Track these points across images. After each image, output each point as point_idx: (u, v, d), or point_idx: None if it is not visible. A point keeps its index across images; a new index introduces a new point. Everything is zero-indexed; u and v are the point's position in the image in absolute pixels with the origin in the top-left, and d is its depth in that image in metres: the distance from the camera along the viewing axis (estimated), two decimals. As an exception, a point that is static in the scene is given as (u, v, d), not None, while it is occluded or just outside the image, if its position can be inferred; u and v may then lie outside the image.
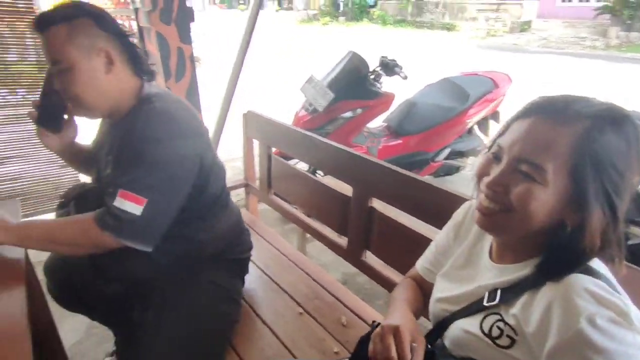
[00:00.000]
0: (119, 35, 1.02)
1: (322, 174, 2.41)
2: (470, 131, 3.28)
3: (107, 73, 1.01)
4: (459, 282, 0.81)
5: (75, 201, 1.14)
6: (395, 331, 0.70)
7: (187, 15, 2.37)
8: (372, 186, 1.30)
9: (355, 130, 2.80)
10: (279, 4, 23.96)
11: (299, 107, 2.90)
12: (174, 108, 1.05)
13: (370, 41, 12.23)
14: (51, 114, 1.10)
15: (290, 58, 10.17)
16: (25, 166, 2.45)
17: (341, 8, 19.82)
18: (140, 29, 2.48)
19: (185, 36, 2.42)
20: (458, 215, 0.89)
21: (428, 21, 16.13)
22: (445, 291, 0.83)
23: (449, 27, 15.16)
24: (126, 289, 1.18)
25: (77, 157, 1.27)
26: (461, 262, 0.84)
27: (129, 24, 2.80)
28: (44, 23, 0.97)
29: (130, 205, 0.95)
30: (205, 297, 1.15)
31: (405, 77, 2.80)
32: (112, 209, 0.95)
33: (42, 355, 1.48)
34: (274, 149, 1.82)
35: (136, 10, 2.42)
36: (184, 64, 2.51)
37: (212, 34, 12.05)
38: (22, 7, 2.24)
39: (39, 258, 1.42)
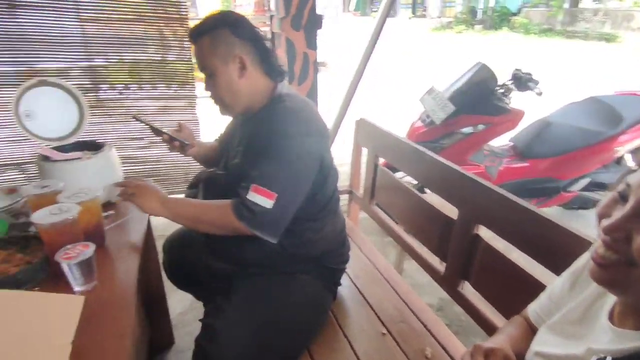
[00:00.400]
0: (254, 40, 1.11)
1: (429, 192, 2.29)
2: (619, 161, 2.78)
3: (241, 77, 1.11)
4: (566, 339, 0.67)
5: (204, 184, 1.27)
6: (489, 352, 0.64)
7: (315, 22, 2.46)
8: (480, 212, 1.18)
9: (474, 148, 2.59)
10: (413, 11, 23.61)
11: (416, 118, 2.80)
12: (303, 107, 1.12)
13: (507, 52, 11.27)
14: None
15: (417, 67, 9.94)
16: (166, 151, 2.82)
17: (479, 16, 18.69)
18: (272, 34, 2.66)
19: (311, 42, 2.52)
20: (580, 261, 0.74)
21: (582, 31, 14.24)
22: (549, 346, 0.70)
23: (608, 38, 13.16)
24: (232, 269, 1.25)
25: (206, 157, 1.43)
26: (574, 317, 0.69)
27: (265, 30, 3.02)
28: (194, 35, 1.12)
29: (262, 199, 1.02)
30: (295, 299, 1.17)
31: (539, 94, 2.49)
32: (246, 202, 1.03)
33: (151, 318, 1.68)
34: (381, 160, 1.78)
35: (271, 17, 2.61)
36: (307, 68, 2.62)
37: (342, 41, 12.45)
38: (183, 15, 2.60)
39: (160, 233, 1.62)
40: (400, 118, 4.17)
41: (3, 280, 0.84)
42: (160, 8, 2.55)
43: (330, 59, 8.82)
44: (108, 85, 2.72)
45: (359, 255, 1.67)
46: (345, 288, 1.45)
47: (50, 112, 1.34)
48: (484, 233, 1.17)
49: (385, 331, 1.24)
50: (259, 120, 1.14)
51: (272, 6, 2.83)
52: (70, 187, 1.18)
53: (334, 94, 3.76)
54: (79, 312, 0.65)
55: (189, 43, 2.64)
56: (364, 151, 1.87)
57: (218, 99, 1.16)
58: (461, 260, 1.23)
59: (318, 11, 2.46)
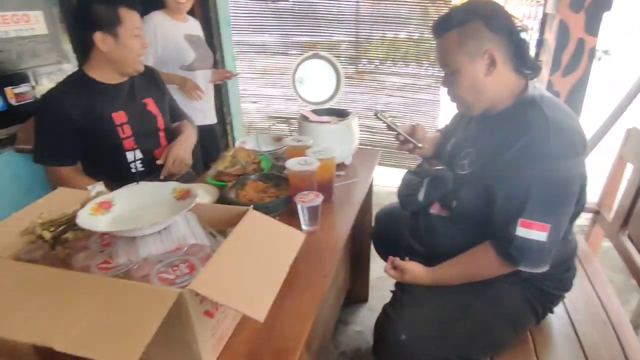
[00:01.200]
0: (509, 34, 1.00)
1: None
2: None
3: (487, 75, 1.01)
4: None
5: (431, 180, 1.24)
6: None
7: (602, 3, 2.04)
8: None
9: None
10: None
11: None
12: (565, 119, 0.98)
13: None
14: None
15: None
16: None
17: None
18: (544, 15, 2.36)
19: (592, 26, 2.12)
20: None
21: None
22: None
23: None
24: (429, 255, 1.28)
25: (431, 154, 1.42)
26: None
27: (535, 10, 2.70)
28: (440, 29, 1.04)
29: (536, 233, 0.94)
30: (491, 305, 1.10)
31: None
32: (515, 240, 0.95)
33: (354, 273, 1.88)
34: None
35: (547, -5, 2.30)
36: (580, 57, 2.23)
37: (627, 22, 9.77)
38: None
39: (380, 200, 1.77)
40: None
41: (259, 205, 1.12)
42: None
43: (616, 45, 7.12)
44: (367, 59, 3.03)
45: (586, 288, 1.40)
46: (556, 317, 1.26)
47: (316, 80, 1.61)
48: None
49: (592, 384, 1.04)
50: (502, 122, 1.03)
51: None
52: (318, 144, 1.42)
53: (611, 88, 3.08)
54: (298, 246, 0.80)
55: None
56: (628, 167, 1.50)
57: (457, 97, 1.08)
58: None
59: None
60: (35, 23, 1.59)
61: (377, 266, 2.11)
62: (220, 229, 0.85)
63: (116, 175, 1.23)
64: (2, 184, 1.52)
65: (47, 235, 0.73)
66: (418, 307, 1.10)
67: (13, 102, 1.55)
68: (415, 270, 1.13)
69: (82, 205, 0.79)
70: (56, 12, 1.66)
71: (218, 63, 2.88)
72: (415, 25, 2.80)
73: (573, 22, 2.15)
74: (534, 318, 1.17)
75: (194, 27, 2.15)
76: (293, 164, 1.18)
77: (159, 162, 1.48)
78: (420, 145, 1.33)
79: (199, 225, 0.82)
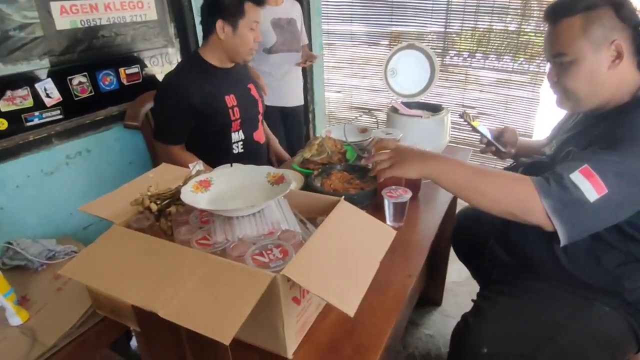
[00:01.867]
0: (635, 26, 0.89)
1: None
2: None
3: (611, 68, 0.91)
4: None
5: (528, 166, 1.13)
6: None
7: None
8: None
9: None
10: None
11: None
12: None
13: None
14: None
15: None
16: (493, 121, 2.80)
17: None
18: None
19: None
20: None
21: None
22: None
23: None
24: (514, 266, 1.19)
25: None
26: None
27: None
28: (561, 12, 0.93)
29: (588, 186, 0.81)
30: (584, 327, 0.98)
31: None
32: (564, 179, 0.83)
33: (430, 274, 1.81)
34: None
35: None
36: None
37: None
38: None
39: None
40: None
41: (344, 196, 1.10)
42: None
43: None
44: (456, 52, 2.87)
45: None
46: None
47: (409, 72, 1.55)
48: None
49: None
50: (612, 120, 0.92)
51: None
52: (408, 138, 1.37)
53: None
54: (389, 243, 0.78)
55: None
56: None
57: (570, 90, 0.97)
58: None
59: None
60: (147, 9, 1.72)
61: (455, 269, 2.02)
62: (310, 216, 0.85)
63: (218, 154, 1.30)
64: (112, 155, 1.69)
65: (154, 207, 0.78)
66: (504, 321, 1.02)
67: (125, 82, 1.70)
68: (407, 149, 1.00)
69: (185, 182, 0.84)
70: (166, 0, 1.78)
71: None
72: (513, 15, 2.58)
73: None
74: (636, 347, 1.04)
75: (286, 10, 2.20)
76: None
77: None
78: (503, 150, 1.23)
79: (291, 211, 0.82)
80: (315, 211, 0.86)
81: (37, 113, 1.42)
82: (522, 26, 2.60)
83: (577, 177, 0.82)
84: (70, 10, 1.45)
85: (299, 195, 0.90)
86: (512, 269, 1.17)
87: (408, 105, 1.52)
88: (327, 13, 3.06)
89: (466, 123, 1.29)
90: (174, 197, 0.82)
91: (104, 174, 1.65)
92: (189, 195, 0.78)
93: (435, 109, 1.49)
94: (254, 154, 1.64)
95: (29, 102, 1.39)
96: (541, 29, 2.51)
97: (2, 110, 1.33)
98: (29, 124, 1.40)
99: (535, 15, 2.53)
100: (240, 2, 1.37)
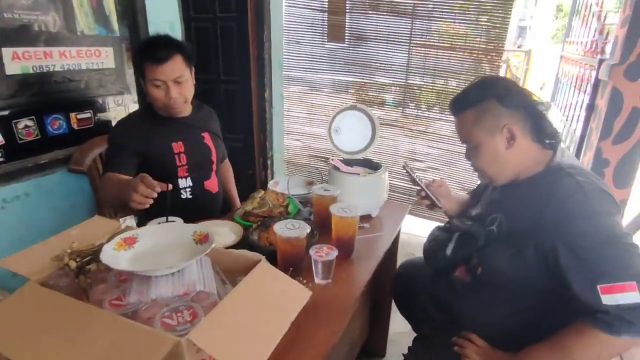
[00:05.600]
0: (524, 107, 1.02)
1: None
2: None
3: (508, 148, 1.03)
4: None
5: (461, 235, 1.19)
6: None
7: (660, 74, 1.97)
8: None
9: None
10: None
11: None
12: (598, 184, 0.96)
13: None
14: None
15: None
16: (446, 175, 2.95)
17: None
18: (597, 81, 2.30)
19: (650, 96, 2.03)
20: None
21: None
22: None
23: None
24: (444, 325, 1.23)
25: (456, 213, 1.37)
26: None
27: (589, 74, 2.63)
28: (456, 108, 1.09)
29: (623, 296, 0.84)
30: None
31: None
32: (610, 312, 0.85)
33: (372, 325, 1.84)
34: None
35: (600, 61, 2.24)
36: (634, 125, 2.13)
37: None
38: (500, 46, 2.65)
39: (409, 251, 1.74)
40: None
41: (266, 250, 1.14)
42: (482, 39, 2.65)
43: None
44: (414, 104, 3.06)
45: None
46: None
47: (351, 131, 1.65)
48: None
49: None
50: (530, 189, 1.03)
51: (608, 50, 2.43)
52: (346, 195, 1.44)
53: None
54: (303, 303, 0.81)
55: (483, 71, 2.68)
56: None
57: (480, 169, 1.11)
58: None
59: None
60: (105, 58, 1.77)
61: (399, 319, 2.05)
62: (232, 275, 0.88)
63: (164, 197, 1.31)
64: (54, 200, 1.66)
65: (73, 264, 0.79)
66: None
67: (75, 126, 1.71)
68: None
69: (109, 239, 0.85)
70: (124, 48, 1.83)
71: (267, 101, 3.02)
72: (467, 76, 2.80)
73: (628, 90, 2.08)
74: None
75: None
76: (280, 228, 1.10)
77: None
78: (438, 204, 1.32)
79: (212, 270, 0.85)
80: (238, 270, 0.88)
81: (-25, 156, 1.41)
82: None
83: (609, 299, 0.85)
84: (23, 56, 1.48)
85: (222, 253, 0.92)
86: (441, 324, 1.22)
87: (350, 162, 1.61)
88: (289, 61, 3.22)
89: (407, 174, 1.37)
90: (96, 254, 0.83)
91: (44, 219, 1.62)
92: (109, 254, 0.80)
93: (374, 166, 1.59)
94: (206, 202, 1.66)
95: (-32, 145, 1.38)
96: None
97: (-62, 152, 1.31)
98: (-35, 166, 1.39)
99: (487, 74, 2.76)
100: (141, 60, 1.41)
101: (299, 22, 3.18)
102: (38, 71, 1.54)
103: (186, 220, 1.34)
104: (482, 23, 2.64)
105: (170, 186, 1.11)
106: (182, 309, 0.71)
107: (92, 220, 1.03)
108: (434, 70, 2.87)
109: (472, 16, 2.64)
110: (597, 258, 0.88)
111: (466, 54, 2.74)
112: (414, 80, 2.96)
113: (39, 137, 1.59)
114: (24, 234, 1.57)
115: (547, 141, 1.05)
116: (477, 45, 2.70)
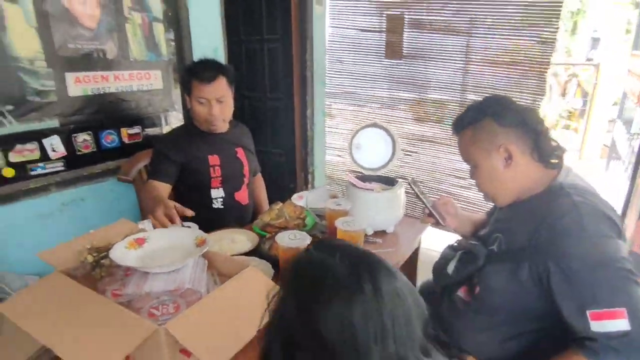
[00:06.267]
0: (521, 125, 1.01)
1: None
2: None
3: (506, 167, 1.03)
4: None
5: (462, 254, 1.19)
6: None
7: None
8: None
9: None
10: None
11: None
12: (597, 203, 0.94)
13: None
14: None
15: None
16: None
17: None
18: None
19: None
20: None
21: None
22: None
23: None
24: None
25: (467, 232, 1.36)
26: None
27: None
28: (456, 127, 1.11)
29: (612, 323, 0.82)
30: None
31: None
32: (598, 339, 0.83)
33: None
34: None
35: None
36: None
37: None
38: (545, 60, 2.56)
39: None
40: None
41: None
42: (531, 52, 2.59)
43: None
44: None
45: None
46: None
47: (371, 147, 1.69)
48: None
49: None
50: (529, 209, 1.01)
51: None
52: (360, 210, 1.49)
53: None
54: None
55: (542, 89, 2.56)
56: None
57: (481, 189, 1.12)
58: None
59: None
60: (154, 80, 1.98)
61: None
62: (227, 278, 0.97)
63: (199, 205, 1.45)
64: (104, 205, 1.88)
65: (90, 259, 0.92)
66: None
67: (126, 140, 1.93)
68: None
69: (124, 238, 0.98)
70: (171, 71, 2.05)
71: (308, 118, 3.14)
72: (510, 88, 2.71)
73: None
74: None
75: None
76: (282, 237, 1.17)
77: None
78: (443, 222, 1.31)
79: (206, 271, 0.95)
80: (232, 273, 0.97)
81: (41, 164, 1.65)
82: (536, 102, 2.69)
83: (597, 326, 0.82)
84: (84, 80, 1.72)
85: (219, 257, 1.02)
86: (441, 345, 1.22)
87: (367, 178, 1.65)
88: (335, 78, 3.31)
89: (412, 191, 1.38)
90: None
91: (94, 222, 1.83)
92: (120, 252, 0.92)
93: (391, 182, 1.61)
94: (235, 212, 1.78)
95: (36, 155, 1.63)
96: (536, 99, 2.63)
97: (12, 160, 1.56)
98: (32, 173, 1.63)
99: (531, 87, 2.65)
100: (189, 79, 1.58)
101: (344, 41, 3.26)
102: (96, 93, 1.77)
103: (216, 229, 1.49)
104: (530, 37, 2.57)
105: (192, 213, 1.21)
106: (168, 302, 0.81)
107: (118, 222, 1.18)
108: (490, 86, 2.81)
109: (524, 30, 2.57)
110: (587, 282, 0.85)
111: (514, 68, 2.67)
112: (470, 96, 2.90)
113: (95, 149, 1.81)
114: (77, 233, 1.78)
115: (549, 160, 1.03)
116: (523, 59, 2.62)
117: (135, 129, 1.96)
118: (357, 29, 3.21)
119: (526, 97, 2.68)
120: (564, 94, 7.08)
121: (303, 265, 0.58)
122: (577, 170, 1.07)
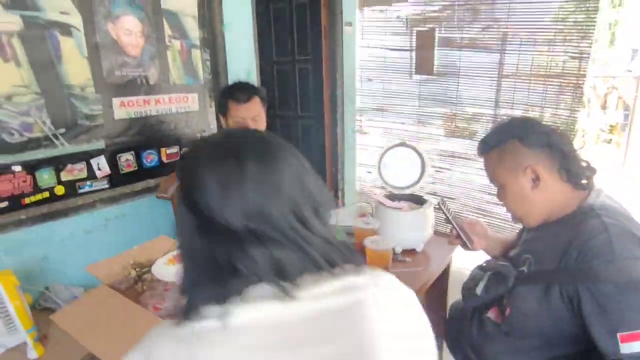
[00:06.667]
0: (548, 147, 1.00)
1: None
2: None
3: (534, 189, 1.02)
4: None
5: (492, 275, 1.18)
6: None
7: None
8: None
9: None
10: None
11: None
12: (627, 225, 0.93)
13: None
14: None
15: None
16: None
17: None
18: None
19: None
20: None
21: None
22: None
23: None
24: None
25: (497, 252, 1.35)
26: None
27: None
28: (482, 148, 1.11)
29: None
30: None
31: None
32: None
33: None
34: None
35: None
36: None
37: None
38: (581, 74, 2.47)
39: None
40: None
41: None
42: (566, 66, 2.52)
43: None
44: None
45: None
46: None
47: (400, 166, 1.71)
48: None
49: None
50: (558, 230, 1.01)
51: None
52: (389, 229, 1.50)
53: None
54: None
55: (579, 103, 2.50)
56: None
57: (509, 210, 1.11)
58: None
59: None
60: (191, 102, 2.09)
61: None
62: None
63: None
64: (144, 220, 1.98)
65: (133, 273, 0.99)
66: None
67: (165, 159, 2.04)
68: None
69: (164, 255, 1.05)
70: (207, 93, 2.15)
71: (338, 135, 3.19)
72: (542, 102, 2.66)
73: None
74: None
75: None
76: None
77: None
78: (469, 245, 1.30)
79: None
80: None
81: (88, 182, 1.77)
82: (573, 116, 2.63)
83: (627, 348, 0.82)
84: (128, 104, 1.85)
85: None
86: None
87: (396, 196, 1.67)
88: (367, 97, 3.32)
89: (441, 212, 1.38)
90: (152, 266, 1.03)
91: (135, 236, 1.93)
92: (160, 267, 0.99)
93: (421, 201, 1.62)
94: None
95: (84, 174, 1.75)
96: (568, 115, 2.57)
97: (62, 179, 1.69)
98: (80, 191, 1.75)
99: (565, 102, 2.59)
100: (225, 101, 1.67)
101: (374, 60, 3.28)
102: (138, 116, 1.89)
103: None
104: (565, 51, 2.52)
105: None
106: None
107: (159, 238, 1.25)
108: (524, 101, 2.76)
109: (558, 44, 2.53)
110: (617, 304, 0.84)
111: (549, 82, 2.62)
112: (504, 111, 2.85)
113: (136, 168, 1.93)
114: (120, 247, 1.89)
115: (578, 181, 1.02)
116: (558, 73, 2.57)
117: (174, 149, 2.07)
118: (386, 49, 3.25)
119: (562, 112, 2.63)
120: (604, 107, 6.83)
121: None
122: (619, 185, 1.05)
